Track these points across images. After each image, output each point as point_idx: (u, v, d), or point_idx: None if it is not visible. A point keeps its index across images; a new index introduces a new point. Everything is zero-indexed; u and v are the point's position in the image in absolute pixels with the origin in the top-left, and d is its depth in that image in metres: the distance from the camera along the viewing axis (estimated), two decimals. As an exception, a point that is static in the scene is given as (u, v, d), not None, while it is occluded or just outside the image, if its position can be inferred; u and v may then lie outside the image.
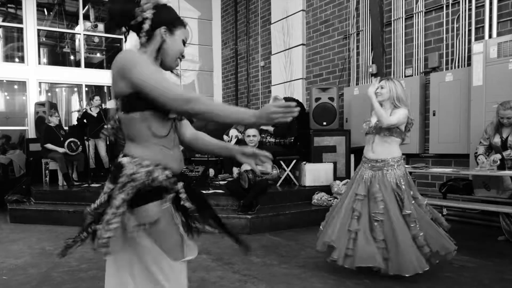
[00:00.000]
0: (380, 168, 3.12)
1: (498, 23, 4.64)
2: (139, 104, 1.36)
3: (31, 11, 8.06)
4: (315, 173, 5.70)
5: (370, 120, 3.30)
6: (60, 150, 6.30)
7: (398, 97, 3.12)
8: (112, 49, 9.75)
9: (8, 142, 7.60)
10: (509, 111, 3.88)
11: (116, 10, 1.40)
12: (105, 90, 9.71)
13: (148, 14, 1.39)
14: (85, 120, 6.84)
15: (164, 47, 1.43)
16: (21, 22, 8.09)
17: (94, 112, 6.87)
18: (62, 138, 6.39)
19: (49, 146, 6.28)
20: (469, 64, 4.88)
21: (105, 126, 6.62)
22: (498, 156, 3.83)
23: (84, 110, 6.88)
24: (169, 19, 1.44)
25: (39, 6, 8.47)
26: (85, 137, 6.61)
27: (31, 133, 7.82)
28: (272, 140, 5.93)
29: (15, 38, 8.57)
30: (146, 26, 1.39)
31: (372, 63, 6.08)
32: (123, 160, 1.39)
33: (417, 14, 5.51)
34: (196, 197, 1.51)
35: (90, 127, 6.60)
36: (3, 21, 8.51)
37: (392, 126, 3.11)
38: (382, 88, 3.16)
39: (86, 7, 8.90)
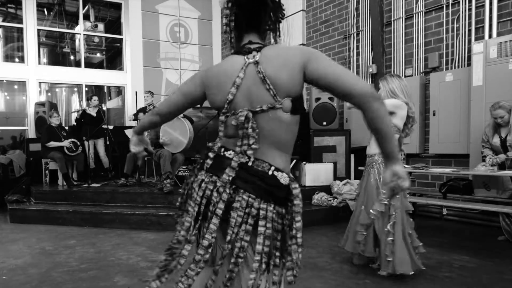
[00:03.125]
0: (369, 163, 3.16)
1: (498, 23, 4.64)
2: (301, 106, 1.26)
3: (31, 11, 8.06)
4: (315, 173, 5.70)
5: None
6: (64, 143, 6.26)
7: (391, 90, 3.12)
8: (112, 49, 9.74)
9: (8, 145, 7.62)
10: (500, 110, 3.96)
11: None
12: (105, 90, 9.71)
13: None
14: (83, 120, 6.83)
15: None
16: (21, 22, 8.09)
17: (93, 112, 6.87)
18: (63, 139, 6.38)
19: (52, 144, 6.24)
20: (469, 64, 4.88)
21: (105, 126, 6.71)
22: (503, 156, 3.90)
23: (82, 110, 6.87)
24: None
25: (39, 6, 8.46)
26: (84, 138, 6.60)
27: (31, 133, 7.81)
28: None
29: (15, 38, 8.57)
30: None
31: (372, 63, 6.08)
32: (284, 178, 1.26)
33: (417, 14, 5.51)
34: None
35: (89, 128, 6.60)
36: (3, 21, 8.50)
37: None
38: (379, 88, 3.23)
39: (86, 7, 8.90)
